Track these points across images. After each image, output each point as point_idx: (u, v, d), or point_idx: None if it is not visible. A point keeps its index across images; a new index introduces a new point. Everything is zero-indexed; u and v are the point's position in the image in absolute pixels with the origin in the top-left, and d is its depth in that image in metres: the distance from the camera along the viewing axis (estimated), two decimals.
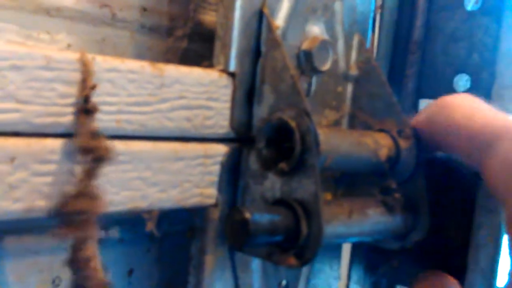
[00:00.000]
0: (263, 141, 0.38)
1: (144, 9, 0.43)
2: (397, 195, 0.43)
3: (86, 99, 0.31)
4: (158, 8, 0.44)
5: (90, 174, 0.30)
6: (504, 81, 0.42)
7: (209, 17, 0.47)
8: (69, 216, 0.30)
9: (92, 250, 0.31)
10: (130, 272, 0.44)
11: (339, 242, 0.45)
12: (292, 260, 0.36)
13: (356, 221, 0.39)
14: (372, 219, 0.41)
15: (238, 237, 0.33)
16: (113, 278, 0.42)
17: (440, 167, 0.46)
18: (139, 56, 0.44)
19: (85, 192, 0.30)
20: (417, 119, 0.43)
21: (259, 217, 0.33)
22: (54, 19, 0.39)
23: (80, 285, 0.30)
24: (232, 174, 0.41)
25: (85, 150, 0.30)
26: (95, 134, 0.31)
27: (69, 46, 0.40)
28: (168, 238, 0.45)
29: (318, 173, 0.35)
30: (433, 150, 0.44)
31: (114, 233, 0.42)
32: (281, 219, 0.35)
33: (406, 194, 0.43)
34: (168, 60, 0.45)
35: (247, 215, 0.33)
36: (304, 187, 0.36)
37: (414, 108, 0.53)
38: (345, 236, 0.40)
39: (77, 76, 0.32)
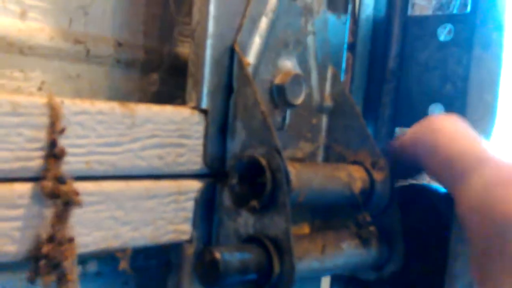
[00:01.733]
0: (236, 178, 0.38)
1: (119, 44, 0.44)
2: (371, 227, 0.43)
3: (53, 143, 0.31)
4: (133, 42, 0.45)
5: (60, 218, 0.30)
6: (475, 113, 0.43)
7: (186, 50, 0.47)
8: (42, 261, 0.30)
9: None
10: None
11: (313, 276, 0.45)
12: None
13: (329, 256, 0.40)
14: (346, 253, 0.41)
15: (209, 277, 0.34)
16: None
17: (415, 197, 0.46)
18: (115, 90, 0.44)
19: (57, 236, 0.30)
20: (403, 137, 0.43)
21: (230, 257, 0.33)
22: (28, 57, 0.39)
23: None
24: (207, 210, 0.41)
25: (53, 195, 0.30)
26: (62, 179, 0.31)
27: (43, 84, 0.40)
28: (146, 271, 0.45)
29: (289, 210, 0.36)
30: (414, 171, 0.44)
31: (92, 267, 0.41)
32: (253, 257, 0.35)
33: (381, 226, 0.44)
34: (144, 94, 0.45)
35: (217, 255, 0.33)
36: (276, 225, 0.36)
37: (390, 136, 0.53)
38: (319, 271, 0.40)
39: (45, 120, 0.32)
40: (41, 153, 0.32)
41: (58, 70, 0.40)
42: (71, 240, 0.32)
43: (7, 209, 0.31)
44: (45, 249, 0.30)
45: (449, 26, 0.49)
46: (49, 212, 0.31)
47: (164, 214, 0.38)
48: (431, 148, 0.40)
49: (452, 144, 0.39)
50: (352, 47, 0.53)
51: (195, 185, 0.40)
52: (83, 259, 0.41)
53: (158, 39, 0.46)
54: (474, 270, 0.37)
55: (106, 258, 0.42)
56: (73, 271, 0.32)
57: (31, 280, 0.31)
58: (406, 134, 0.43)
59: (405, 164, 0.43)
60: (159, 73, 0.46)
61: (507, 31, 0.45)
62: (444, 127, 0.40)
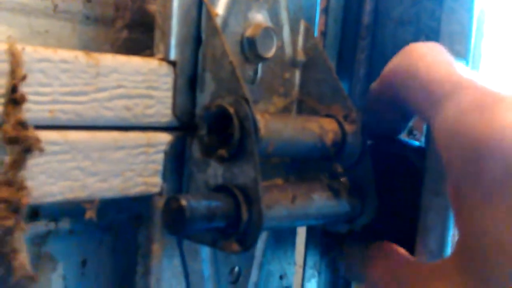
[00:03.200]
0: (205, 129, 0.38)
1: (88, 0, 0.43)
2: (343, 179, 0.43)
3: (14, 89, 0.30)
4: None
5: (16, 164, 0.30)
6: None
7: (153, 6, 0.46)
8: (1, 205, 0.30)
9: (19, 242, 0.30)
10: (84, 262, 0.43)
11: (283, 226, 0.45)
12: (235, 246, 0.36)
13: (300, 206, 0.39)
14: (317, 203, 0.41)
15: (176, 224, 0.33)
16: (65, 269, 0.42)
17: (387, 150, 0.46)
18: (84, 47, 0.43)
19: (10, 182, 0.30)
20: (384, 70, 0.42)
21: (196, 204, 0.33)
22: None
23: (6, 278, 0.30)
24: (177, 162, 0.41)
25: (12, 141, 0.30)
26: (23, 125, 0.30)
27: (9, 38, 0.39)
28: (120, 228, 0.45)
29: (257, 159, 0.36)
30: (391, 108, 0.43)
31: (64, 224, 0.41)
32: (220, 205, 0.35)
33: (353, 178, 0.44)
34: (113, 50, 0.45)
35: (183, 202, 0.33)
36: (245, 173, 0.36)
37: (365, 93, 0.53)
38: (288, 220, 0.40)
39: (5, 66, 0.31)
40: (2, 100, 0.31)
41: (25, 26, 0.40)
42: (25, 187, 0.32)
43: None
44: (4, 193, 0.30)
45: None
46: (8, 158, 0.31)
47: (133, 166, 0.38)
48: (410, 74, 0.39)
49: (430, 70, 0.38)
50: (326, 3, 0.53)
51: (164, 138, 0.40)
52: (56, 216, 0.41)
53: None
54: (451, 197, 0.36)
55: (79, 216, 0.42)
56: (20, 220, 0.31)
57: None
58: (386, 66, 0.43)
59: (385, 104, 0.43)
60: (128, 30, 0.46)
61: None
62: (423, 53, 0.40)
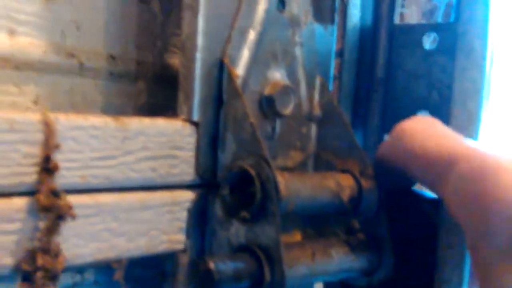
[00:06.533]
0: (227, 189, 0.39)
1: (112, 57, 0.45)
2: (360, 234, 0.44)
3: (47, 158, 0.32)
4: (125, 55, 0.46)
5: (50, 231, 0.31)
6: (459, 121, 0.44)
7: (176, 61, 0.48)
8: (27, 273, 0.31)
9: None
10: None
11: (303, 283, 0.46)
12: None
13: (319, 263, 0.40)
14: (336, 260, 0.42)
15: (204, 286, 0.35)
16: None
17: (402, 203, 0.47)
18: (108, 103, 0.45)
19: (46, 249, 0.31)
20: (382, 148, 0.44)
21: (223, 266, 0.35)
22: (22, 72, 0.40)
23: None
24: (200, 220, 0.42)
25: (46, 209, 0.31)
26: (56, 193, 0.32)
27: (38, 97, 0.41)
28: (142, 281, 0.46)
29: (279, 220, 0.37)
30: (399, 178, 0.45)
31: (90, 276, 0.42)
32: (245, 266, 0.36)
33: (370, 233, 0.45)
34: (137, 105, 0.46)
35: (211, 265, 0.34)
36: (266, 234, 0.37)
37: (379, 144, 0.54)
38: (309, 278, 0.41)
39: (40, 136, 0.33)
40: (36, 169, 0.33)
41: (51, 84, 0.41)
42: (59, 253, 0.33)
43: (5, 223, 0.32)
44: (41, 261, 0.31)
45: (433, 35, 0.50)
46: (43, 225, 0.32)
47: (159, 225, 0.39)
48: (406, 154, 0.41)
49: (425, 146, 0.40)
50: (340, 56, 0.54)
51: (188, 196, 0.41)
52: (81, 269, 0.42)
53: (150, 51, 0.47)
54: (471, 257, 0.38)
55: (103, 268, 0.43)
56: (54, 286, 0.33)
57: None
58: (383, 144, 0.44)
59: (391, 173, 0.44)
60: (150, 85, 0.47)
61: (492, 40, 0.46)
62: (415, 131, 0.42)
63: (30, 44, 0.40)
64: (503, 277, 0.35)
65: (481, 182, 0.36)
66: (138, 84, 0.47)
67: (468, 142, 0.39)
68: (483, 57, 0.45)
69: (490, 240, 0.36)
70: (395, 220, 0.45)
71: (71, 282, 0.41)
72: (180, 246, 0.41)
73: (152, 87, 0.47)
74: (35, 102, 0.40)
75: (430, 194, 0.49)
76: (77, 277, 0.41)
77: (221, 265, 0.34)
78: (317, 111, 0.48)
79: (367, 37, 0.55)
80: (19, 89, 0.40)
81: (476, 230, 0.37)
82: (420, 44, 0.51)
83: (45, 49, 0.40)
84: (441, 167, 0.39)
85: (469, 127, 0.45)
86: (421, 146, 0.40)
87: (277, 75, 0.45)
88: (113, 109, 0.45)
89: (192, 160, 0.41)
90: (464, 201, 0.37)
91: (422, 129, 0.41)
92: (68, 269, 0.41)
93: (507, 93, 0.74)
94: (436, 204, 0.46)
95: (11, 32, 0.39)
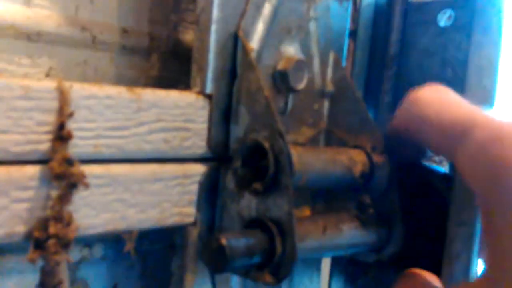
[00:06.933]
0: (239, 161, 0.39)
1: (125, 31, 0.44)
2: (371, 210, 0.44)
3: (61, 126, 0.32)
4: (138, 29, 0.45)
5: (63, 199, 0.31)
6: (474, 98, 0.43)
7: (189, 36, 0.48)
8: (40, 241, 0.31)
9: (62, 274, 0.32)
10: (115, 286, 0.44)
11: (314, 257, 0.46)
12: (268, 277, 0.37)
13: (330, 237, 0.41)
14: (346, 234, 0.42)
15: (217, 262, 0.35)
16: None
17: (413, 177, 0.47)
18: (121, 76, 0.45)
19: (58, 218, 0.31)
20: (395, 118, 0.44)
21: (235, 242, 0.35)
22: (35, 43, 0.40)
23: None
24: (211, 193, 0.42)
25: (59, 177, 0.31)
26: (69, 161, 0.32)
27: (50, 70, 0.41)
28: (151, 255, 0.46)
29: (292, 193, 0.37)
30: (411, 149, 0.45)
31: (98, 250, 0.43)
32: (257, 241, 0.36)
33: (381, 208, 0.45)
34: (148, 79, 0.46)
35: (224, 241, 0.34)
36: (279, 207, 0.37)
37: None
38: (319, 251, 0.41)
39: (54, 104, 0.33)
40: (50, 136, 0.33)
41: (65, 57, 0.41)
42: (71, 222, 0.33)
43: (18, 190, 0.32)
44: (54, 229, 0.31)
45: (449, 12, 0.50)
46: (56, 194, 0.32)
47: (170, 197, 0.39)
48: (421, 121, 0.41)
49: (440, 113, 0.40)
50: (353, 33, 0.54)
51: (199, 169, 0.41)
52: (90, 243, 0.42)
53: (163, 25, 0.47)
54: (485, 227, 0.39)
55: (111, 242, 0.43)
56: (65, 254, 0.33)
57: (33, 261, 0.32)
58: (396, 113, 0.44)
59: (402, 143, 0.44)
60: (163, 59, 0.47)
61: (506, 17, 0.46)
62: (428, 99, 0.42)
63: (44, 16, 0.39)
64: None
65: (498, 148, 0.36)
66: (151, 58, 0.46)
67: (480, 110, 0.39)
68: (499, 34, 0.45)
69: (507, 204, 0.36)
70: (406, 196, 0.45)
71: (79, 256, 0.41)
72: (190, 219, 0.41)
73: (165, 61, 0.47)
74: (48, 75, 0.40)
75: (442, 169, 0.49)
76: (85, 251, 0.42)
77: (233, 241, 0.34)
78: (330, 87, 0.48)
79: (381, 15, 0.54)
80: (32, 61, 0.40)
81: (491, 194, 0.37)
82: (435, 21, 0.51)
83: (59, 22, 0.40)
84: (456, 134, 0.39)
85: (484, 104, 0.44)
86: (436, 113, 0.40)
87: (291, 50, 0.45)
88: (126, 82, 0.45)
89: (204, 133, 0.41)
90: (480, 166, 0.37)
91: (437, 97, 0.41)
92: (77, 241, 0.41)
93: None
94: (448, 180, 0.46)
95: (27, 3, 0.39)
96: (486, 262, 0.39)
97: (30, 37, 0.39)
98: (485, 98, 0.45)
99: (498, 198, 0.36)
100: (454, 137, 0.39)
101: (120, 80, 0.45)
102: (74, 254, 0.41)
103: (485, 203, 0.38)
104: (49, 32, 0.40)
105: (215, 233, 0.35)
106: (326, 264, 0.52)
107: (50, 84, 0.33)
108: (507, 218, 0.36)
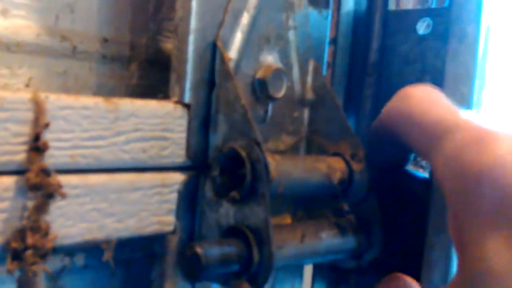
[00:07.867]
0: (217, 170, 0.40)
1: (105, 40, 0.45)
2: (350, 216, 0.44)
3: (36, 137, 0.32)
4: (119, 38, 0.46)
5: (40, 209, 0.32)
6: None
7: (169, 45, 0.48)
8: (17, 251, 0.31)
9: (42, 283, 0.32)
10: None
11: (293, 264, 0.46)
12: (246, 286, 0.37)
13: (308, 245, 0.41)
14: (325, 241, 0.42)
15: (193, 270, 0.35)
16: None
17: (393, 182, 0.47)
18: (101, 86, 0.45)
19: (33, 228, 0.31)
20: (382, 112, 0.44)
21: (211, 250, 0.35)
22: (15, 54, 0.40)
23: None
24: (190, 202, 0.42)
25: (36, 187, 0.31)
26: (46, 171, 0.32)
27: (30, 80, 0.41)
28: (133, 263, 0.46)
29: (268, 201, 0.37)
30: (393, 149, 0.45)
31: (79, 259, 0.42)
32: (234, 249, 0.36)
33: (360, 214, 0.45)
34: (128, 88, 0.47)
35: (199, 249, 0.34)
36: (256, 215, 0.37)
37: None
38: (298, 259, 0.41)
39: (30, 115, 0.33)
40: (26, 147, 0.33)
41: (45, 67, 0.41)
42: (48, 232, 0.33)
43: None
44: (31, 239, 0.31)
45: (428, 20, 0.50)
46: (32, 204, 0.33)
47: (148, 206, 0.40)
48: (406, 117, 0.41)
49: (425, 111, 0.40)
50: (334, 41, 0.54)
51: (178, 178, 0.41)
52: (71, 252, 0.42)
53: (143, 34, 0.47)
54: (450, 226, 0.38)
55: (93, 251, 0.43)
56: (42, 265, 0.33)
57: (11, 272, 0.32)
58: (383, 109, 0.44)
59: (386, 142, 0.44)
60: (143, 67, 0.47)
61: (484, 24, 0.46)
62: (416, 97, 0.42)
63: (23, 26, 0.40)
64: (487, 245, 0.35)
65: (475, 150, 0.36)
66: (130, 67, 0.47)
67: (466, 114, 0.39)
68: (476, 42, 0.45)
69: (478, 207, 0.35)
70: (386, 200, 0.45)
71: (60, 265, 0.41)
72: (169, 228, 0.41)
73: (145, 70, 0.47)
74: (28, 85, 0.41)
75: (422, 174, 0.49)
76: (67, 260, 0.42)
77: (208, 249, 0.35)
78: (309, 95, 0.48)
79: (361, 23, 0.55)
80: (11, 71, 0.40)
81: (463, 196, 0.36)
82: (414, 29, 0.51)
83: (38, 32, 0.40)
84: (437, 135, 0.39)
85: None
86: (423, 112, 0.40)
87: (270, 59, 0.45)
88: (106, 92, 0.45)
89: (183, 142, 0.41)
90: (455, 167, 0.37)
91: (427, 96, 0.41)
92: (57, 251, 0.41)
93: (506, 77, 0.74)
94: (428, 184, 0.46)
95: (5, 14, 0.39)
96: (457, 266, 0.39)
97: (9, 47, 0.39)
98: (463, 104, 0.45)
99: (471, 200, 0.36)
100: (434, 137, 0.39)
101: (100, 90, 0.45)
102: (55, 263, 0.41)
103: (455, 204, 0.37)
104: (28, 43, 0.40)
105: (191, 242, 0.35)
106: (308, 270, 0.53)
107: (25, 95, 0.33)
108: (472, 223, 0.36)
